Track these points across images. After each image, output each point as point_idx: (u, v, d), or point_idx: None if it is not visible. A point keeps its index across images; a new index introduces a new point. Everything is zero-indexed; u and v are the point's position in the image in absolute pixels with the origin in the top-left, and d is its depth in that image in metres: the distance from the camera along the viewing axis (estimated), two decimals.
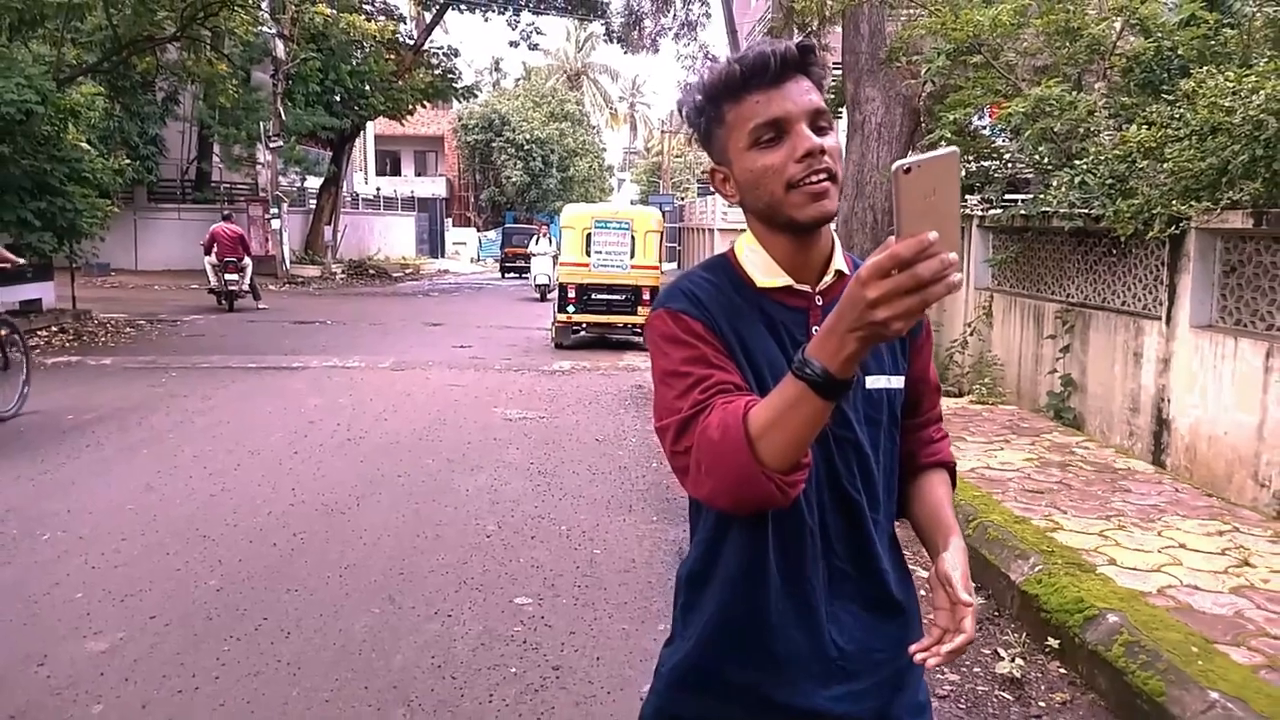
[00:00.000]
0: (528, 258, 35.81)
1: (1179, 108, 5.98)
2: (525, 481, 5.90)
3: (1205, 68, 5.99)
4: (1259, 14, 6.75)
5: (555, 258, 19.84)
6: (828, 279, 1.32)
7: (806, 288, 1.31)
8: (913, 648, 1.23)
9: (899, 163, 0.97)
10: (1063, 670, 3.37)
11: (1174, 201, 5.77)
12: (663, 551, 4.69)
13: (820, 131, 1.23)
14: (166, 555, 4.43)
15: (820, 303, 1.31)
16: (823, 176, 1.22)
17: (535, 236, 20.94)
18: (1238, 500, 5.41)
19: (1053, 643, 3.43)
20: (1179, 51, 7.10)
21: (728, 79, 1.25)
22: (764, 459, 1.10)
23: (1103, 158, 6.44)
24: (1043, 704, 3.18)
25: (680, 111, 1.36)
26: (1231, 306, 5.99)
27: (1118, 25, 7.29)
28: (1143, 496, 4.98)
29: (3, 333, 7.37)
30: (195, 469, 5.96)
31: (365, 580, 4.20)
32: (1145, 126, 6.25)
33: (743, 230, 1.38)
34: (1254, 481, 5.57)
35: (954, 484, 1.48)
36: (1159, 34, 7.06)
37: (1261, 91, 5.34)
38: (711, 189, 1.39)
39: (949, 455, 1.48)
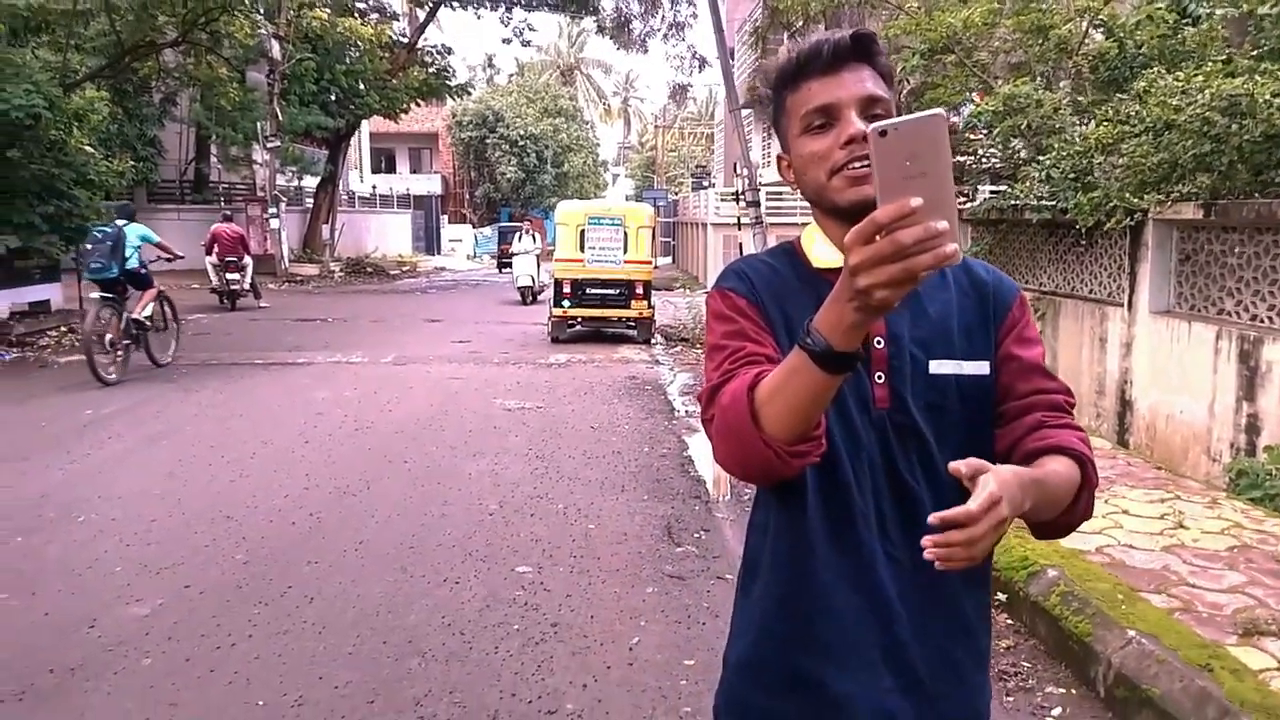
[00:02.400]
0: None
1: (1131, 105, 6.35)
2: (524, 465, 6.28)
3: (1156, 68, 6.36)
4: (1214, 13, 7.12)
5: (540, 257, 18.32)
6: None
7: None
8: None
9: (875, 125, 0.94)
10: (1009, 620, 3.75)
11: (1128, 194, 6.14)
12: (652, 525, 5.07)
13: (874, 119, 1.17)
14: (195, 534, 4.80)
15: None
16: (865, 162, 1.18)
17: (519, 233, 18.99)
18: (1193, 475, 5.79)
19: (1000, 597, 3.81)
20: (1142, 50, 7.47)
21: (786, 67, 1.28)
22: (765, 426, 1.11)
23: (1065, 153, 6.81)
24: None
25: (763, 106, 1.38)
26: (1187, 293, 6.38)
27: (1083, 25, 7.65)
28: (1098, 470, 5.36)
29: (165, 303, 10.23)
30: (214, 458, 6.33)
31: (379, 554, 4.57)
32: (1104, 123, 6.63)
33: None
34: (1207, 456, 5.97)
35: (1087, 481, 1.24)
36: (1121, 34, 7.42)
37: (1207, 91, 5.71)
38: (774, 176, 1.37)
39: (1069, 442, 1.23)
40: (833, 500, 1.26)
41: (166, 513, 5.13)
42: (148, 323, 9.75)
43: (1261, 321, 5.63)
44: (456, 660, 3.46)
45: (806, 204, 1.35)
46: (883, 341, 1.26)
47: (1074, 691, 3.22)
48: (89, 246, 9.49)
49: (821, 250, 1.32)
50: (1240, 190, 5.97)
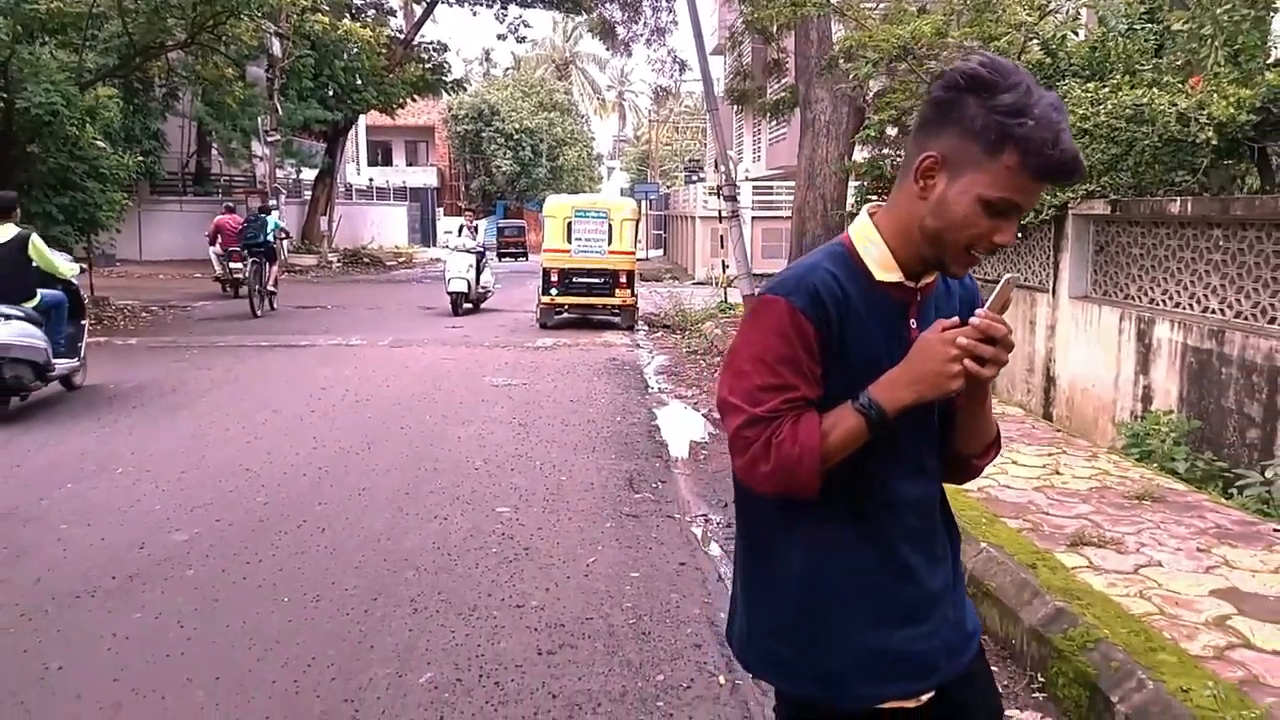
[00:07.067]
0: (518, 244, 36.55)
1: None
2: (508, 431, 7.04)
3: (1069, 80, 7.12)
4: (1134, 29, 7.87)
5: (482, 256, 15.58)
6: (928, 278, 1.48)
7: (912, 284, 1.47)
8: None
9: (1011, 276, 1.40)
10: None
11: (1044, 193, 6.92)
12: (616, 478, 5.84)
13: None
14: (219, 482, 5.56)
15: (919, 298, 1.49)
16: (984, 257, 1.42)
17: (460, 226, 15.80)
18: (1101, 441, 6.57)
19: None
20: (1072, 61, 8.22)
21: (1041, 146, 1.30)
22: (822, 470, 1.38)
23: None
24: None
25: (971, 75, 1.34)
26: (1100, 280, 7.16)
27: (1020, 39, 8.38)
28: (1003, 432, 6.13)
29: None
30: (230, 423, 7.08)
31: (379, 498, 5.33)
32: None
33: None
34: (1112, 425, 6.74)
35: (997, 440, 1.63)
36: (1053, 45, 8.17)
37: (1110, 101, 6.48)
38: (913, 176, 1.41)
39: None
40: (857, 489, 1.46)
41: (193, 465, 5.89)
42: (273, 288, 15.23)
43: (1155, 304, 6.40)
44: (444, 572, 4.23)
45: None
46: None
47: None
48: (245, 224, 15.53)
49: (878, 260, 1.46)
50: (1150, 188, 6.74)
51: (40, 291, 7.58)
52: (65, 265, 7.97)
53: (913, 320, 1.45)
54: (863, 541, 1.48)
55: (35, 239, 7.58)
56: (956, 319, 1.39)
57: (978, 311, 1.36)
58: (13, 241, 7.42)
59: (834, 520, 1.47)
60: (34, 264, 7.51)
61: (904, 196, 1.42)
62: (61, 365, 7.68)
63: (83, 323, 8.37)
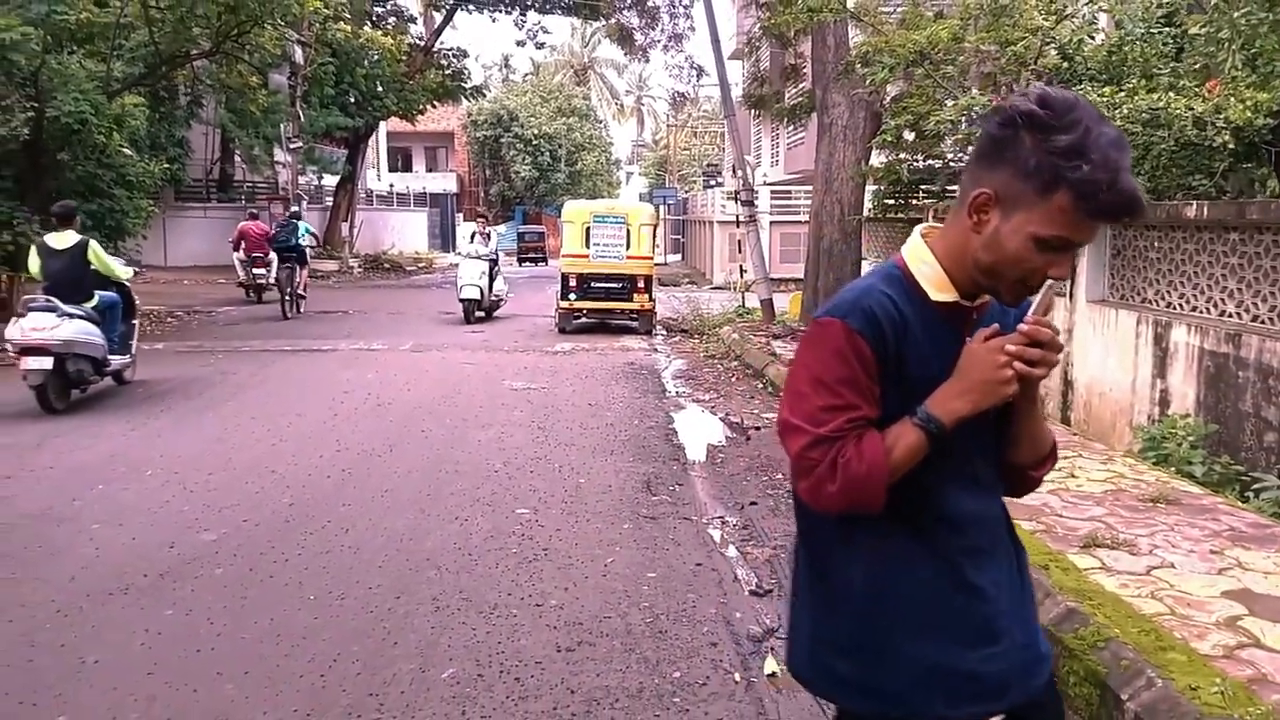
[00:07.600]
0: (538, 250, 36.68)
1: None
2: (527, 434, 7.13)
3: (1084, 85, 7.14)
4: (1151, 32, 7.87)
5: (495, 263, 15.32)
6: (983, 298, 1.49)
7: (968, 303, 1.48)
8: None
9: (1054, 282, 1.38)
10: None
11: None
12: (634, 481, 5.91)
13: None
14: (246, 484, 5.68)
15: (975, 316, 1.50)
16: (1034, 288, 1.41)
17: (472, 233, 15.50)
18: (1119, 445, 6.57)
19: None
20: (1089, 66, 8.23)
21: (1095, 189, 1.29)
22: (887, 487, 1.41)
23: None
24: None
25: (1028, 115, 1.33)
26: (1118, 283, 7.18)
27: (1037, 43, 8.40)
28: None
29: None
30: (255, 426, 7.21)
31: (401, 499, 5.43)
32: None
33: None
34: (1130, 428, 6.75)
35: (1054, 451, 1.64)
36: (1069, 50, 8.19)
37: (1126, 106, 6.49)
38: (966, 211, 1.42)
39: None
40: (914, 501, 1.47)
41: (220, 467, 6.02)
42: (303, 292, 15.87)
43: (1172, 308, 6.41)
44: (465, 571, 4.32)
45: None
46: None
47: None
48: (277, 229, 16.46)
49: (933, 281, 1.47)
50: (1167, 192, 6.76)
51: (97, 293, 8.16)
52: (121, 269, 8.60)
53: (968, 338, 1.46)
54: (922, 556, 1.48)
55: (94, 244, 8.24)
56: (996, 326, 1.44)
57: (1025, 318, 1.41)
58: (75, 247, 8.07)
59: (893, 535, 1.48)
60: (92, 267, 8.06)
61: (957, 227, 1.44)
62: (115, 361, 8.29)
63: (134, 322, 8.97)
